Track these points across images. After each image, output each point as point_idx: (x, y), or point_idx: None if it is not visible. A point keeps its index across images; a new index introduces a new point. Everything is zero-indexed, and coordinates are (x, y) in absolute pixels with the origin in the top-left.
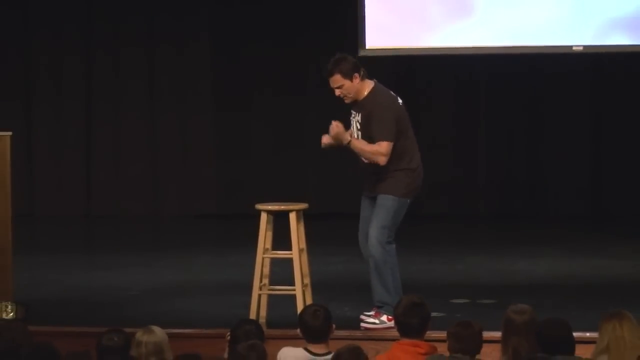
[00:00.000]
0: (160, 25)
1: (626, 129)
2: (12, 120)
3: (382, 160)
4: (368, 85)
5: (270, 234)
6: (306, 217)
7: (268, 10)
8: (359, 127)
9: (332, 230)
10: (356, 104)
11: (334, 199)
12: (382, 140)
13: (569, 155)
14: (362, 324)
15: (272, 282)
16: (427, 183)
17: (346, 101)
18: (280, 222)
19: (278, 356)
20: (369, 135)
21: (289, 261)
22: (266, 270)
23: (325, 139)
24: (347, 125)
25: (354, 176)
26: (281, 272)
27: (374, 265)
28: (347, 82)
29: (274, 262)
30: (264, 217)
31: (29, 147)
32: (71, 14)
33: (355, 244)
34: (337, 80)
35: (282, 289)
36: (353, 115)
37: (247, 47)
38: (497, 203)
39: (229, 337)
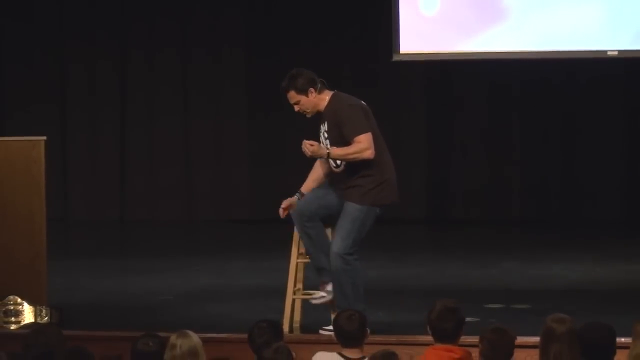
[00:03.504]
0: (194, 30)
1: None
2: (46, 126)
3: (369, 154)
4: (327, 96)
5: None
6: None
7: (302, 15)
8: (326, 136)
9: (367, 235)
10: (320, 117)
11: None
12: (358, 134)
13: (603, 159)
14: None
15: (306, 286)
16: (461, 188)
17: (307, 116)
18: None
19: None
20: (341, 140)
21: None
22: (300, 274)
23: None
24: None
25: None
26: (315, 277)
27: (335, 275)
28: (302, 98)
29: (308, 267)
30: None
31: (63, 151)
32: (105, 19)
33: (389, 250)
34: (292, 96)
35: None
36: (322, 127)
37: (281, 51)
38: (531, 208)
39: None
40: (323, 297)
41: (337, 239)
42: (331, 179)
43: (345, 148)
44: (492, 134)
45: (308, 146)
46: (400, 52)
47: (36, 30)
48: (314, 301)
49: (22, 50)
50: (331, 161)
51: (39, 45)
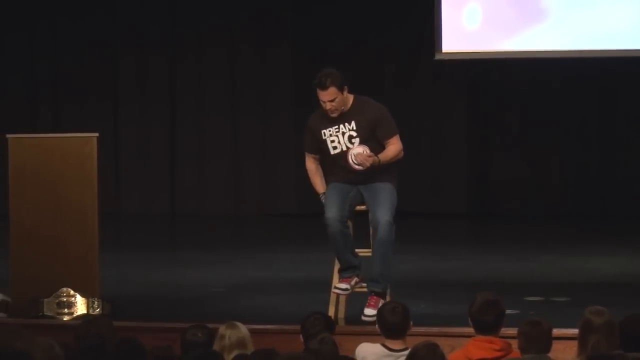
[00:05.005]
0: (242, 27)
1: None
2: (99, 120)
3: (402, 153)
4: (350, 96)
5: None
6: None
7: (346, 13)
8: (354, 135)
9: (408, 229)
10: (341, 116)
11: (410, 198)
12: (394, 135)
13: None
14: (366, 319)
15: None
16: (500, 182)
17: (334, 115)
18: (360, 220)
19: (356, 352)
20: (372, 138)
21: (368, 259)
22: None
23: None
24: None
25: (427, 176)
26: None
27: (382, 245)
28: (339, 95)
29: None
30: None
31: (115, 146)
32: (156, 17)
33: (431, 243)
34: (332, 93)
35: (360, 286)
36: (335, 129)
37: (326, 49)
38: (570, 202)
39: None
40: (347, 288)
41: (383, 211)
42: (346, 177)
43: (387, 153)
44: (531, 129)
45: (368, 158)
46: (443, 51)
47: (89, 27)
48: (337, 291)
49: (75, 47)
50: (354, 161)
51: (91, 41)
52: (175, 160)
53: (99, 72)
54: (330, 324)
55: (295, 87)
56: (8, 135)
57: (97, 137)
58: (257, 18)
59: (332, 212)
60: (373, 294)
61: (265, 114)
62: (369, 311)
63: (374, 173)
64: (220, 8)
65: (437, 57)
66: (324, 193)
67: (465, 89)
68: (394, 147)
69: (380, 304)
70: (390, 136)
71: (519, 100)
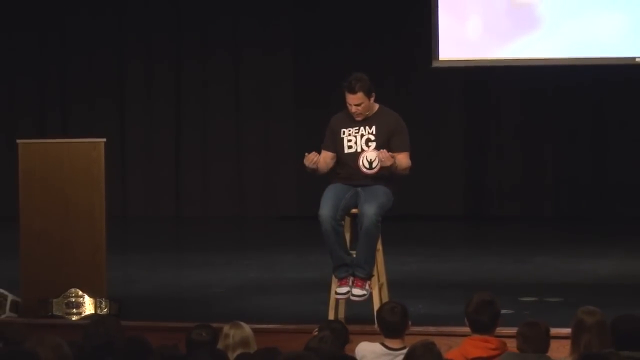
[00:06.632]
0: (245, 32)
1: None
2: (105, 122)
3: (409, 171)
4: (376, 105)
5: (348, 235)
6: (382, 219)
7: (346, 20)
8: (372, 138)
9: (406, 231)
10: (364, 119)
11: (409, 201)
12: (407, 151)
13: (632, 159)
14: (354, 298)
15: None
16: (496, 186)
17: (358, 118)
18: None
19: (356, 350)
20: (386, 146)
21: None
22: None
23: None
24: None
25: (425, 180)
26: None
27: (367, 238)
28: (366, 101)
29: None
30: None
31: (122, 150)
32: (162, 22)
33: (429, 245)
34: (359, 97)
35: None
36: (355, 129)
37: (327, 53)
38: (564, 205)
39: (316, 333)
40: (348, 291)
41: (373, 205)
42: (350, 178)
43: (402, 161)
44: (526, 135)
45: (390, 158)
46: (440, 59)
47: (96, 34)
48: (338, 297)
49: (83, 50)
50: (364, 164)
51: (99, 48)
52: (180, 163)
53: (106, 75)
54: (346, 335)
55: (296, 91)
56: (18, 140)
57: (105, 142)
58: (259, 23)
59: (325, 210)
60: (359, 277)
61: (266, 117)
62: (357, 291)
63: (377, 178)
64: (224, 12)
65: (434, 64)
66: (315, 154)
67: (462, 95)
68: (408, 160)
69: (366, 285)
70: (402, 150)
71: (514, 106)
